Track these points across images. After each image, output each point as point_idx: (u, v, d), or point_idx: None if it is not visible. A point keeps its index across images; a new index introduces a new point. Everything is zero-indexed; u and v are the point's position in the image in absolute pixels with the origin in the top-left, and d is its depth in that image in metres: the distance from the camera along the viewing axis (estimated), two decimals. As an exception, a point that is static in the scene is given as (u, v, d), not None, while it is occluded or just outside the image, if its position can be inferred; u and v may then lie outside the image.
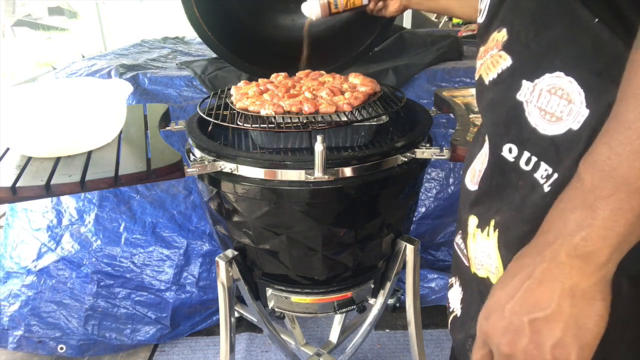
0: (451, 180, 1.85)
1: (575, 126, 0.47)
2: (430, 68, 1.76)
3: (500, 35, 0.56)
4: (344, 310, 1.16)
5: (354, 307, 1.17)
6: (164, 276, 1.69)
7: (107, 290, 1.67)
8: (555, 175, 0.50)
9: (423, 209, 1.87)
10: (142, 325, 1.71)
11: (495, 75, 0.57)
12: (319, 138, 0.89)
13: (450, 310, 0.74)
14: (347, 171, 0.96)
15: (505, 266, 0.56)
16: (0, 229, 2.60)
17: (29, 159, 0.92)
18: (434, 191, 1.87)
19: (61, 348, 1.61)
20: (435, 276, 1.86)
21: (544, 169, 0.51)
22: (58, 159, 0.91)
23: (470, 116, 1.11)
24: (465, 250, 0.70)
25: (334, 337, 1.52)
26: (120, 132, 1.05)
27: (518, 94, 0.53)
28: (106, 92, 1.06)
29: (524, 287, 0.45)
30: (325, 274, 1.10)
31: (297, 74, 1.26)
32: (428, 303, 1.84)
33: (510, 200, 0.56)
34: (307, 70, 1.26)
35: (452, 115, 1.21)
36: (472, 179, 0.67)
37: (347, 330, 1.53)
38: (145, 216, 1.69)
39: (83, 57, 2.14)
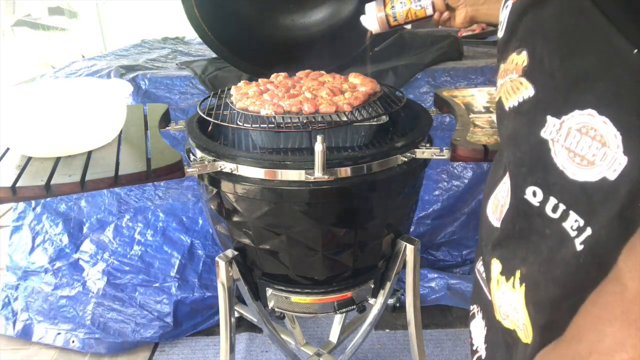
0: (454, 182, 1.85)
1: (612, 175, 0.41)
2: (430, 68, 1.76)
3: (520, 59, 0.50)
4: (344, 310, 1.16)
5: (354, 307, 1.17)
6: (170, 271, 1.78)
7: (115, 288, 1.78)
8: (589, 231, 0.43)
9: (429, 209, 1.87)
10: (146, 322, 1.74)
11: (515, 103, 0.52)
12: (319, 138, 0.89)
13: (474, 348, 0.68)
14: (347, 171, 0.96)
15: (534, 326, 0.51)
16: (0, 229, 2.60)
17: (29, 159, 0.92)
18: (437, 192, 1.87)
19: (72, 341, 1.72)
20: (435, 276, 1.86)
21: (574, 220, 0.45)
22: (58, 159, 0.91)
23: (470, 116, 1.11)
24: (487, 282, 0.65)
25: (334, 337, 1.52)
26: (120, 132, 1.05)
27: (543, 130, 0.47)
28: (106, 92, 1.06)
29: None
30: (325, 274, 1.10)
31: (297, 74, 1.26)
32: (428, 303, 1.84)
33: (536, 250, 0.50)
34: (307, 70, 1.26)
35: (452, 115, 1.21)
36: (495, 211, 0.60)
37: (347, 330, 1.53)
38: (157, 222, 1.81)
39: (83, 57, 2.14)
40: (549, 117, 0.46)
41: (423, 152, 1.04)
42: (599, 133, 0.41)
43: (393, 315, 1.84)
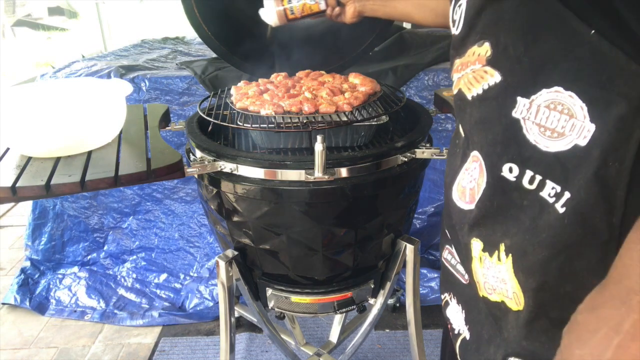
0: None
1: (582, 142, 0.46)
2: (430, 68, 1.76)
3: (482, 50, 0.54)
4: (344, 310, 1.16)
5: (354, 307, 1.17)
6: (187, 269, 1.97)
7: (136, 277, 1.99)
8: (567, 195, 0.48)
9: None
10: (155, 304, 1.90)
11: (480, 91, 0.55)
12: (319, 138, 0.89)
13: (456, 332, 0.71)
14: (347, 171, 0.96)
15: (525, 291, 0.54)
16: (0, 230, 2.61)
17: (29, 159, 0.92)
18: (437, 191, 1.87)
19: (87, 316, 1.91)
20: (435, 275, 1.87)
21: (551, 187, 0.49)
22: (58, 159, 0.91)
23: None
24: (458, 268, 0.68)
25: (334, 337, 1.52)
26: (120, 132, 1.05)
27: (514, 111, 0.51)
28: (106, 92, 1.06)
29: (614, 344, 0.39)
30: (325, 274, 1.10)
31: (297, 74, 1.26)
32: (428, 302, 1.84)
33: (517, 221, 0.54)
34: (307, 70, 1.26)
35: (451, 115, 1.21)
36: (462, 196, 0.64)
37: (347, 330, 1.53)
38: (173, 223, 1.97)
39: (83, 57, 2.14)
40: (519, 98, 0.50)
41: (423, 152, 1.04)
42: (566, 107, 0.46)
43: (393, 315, 1.84)
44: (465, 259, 0.65)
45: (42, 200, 1.93)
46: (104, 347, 1.75)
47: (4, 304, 1.96)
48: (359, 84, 1.15)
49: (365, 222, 1.05)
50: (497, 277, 0.58)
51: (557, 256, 0.50)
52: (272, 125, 1.01)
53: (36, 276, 2.00)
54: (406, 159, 1.03)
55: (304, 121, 1.00)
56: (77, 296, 1.94)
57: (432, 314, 1.82)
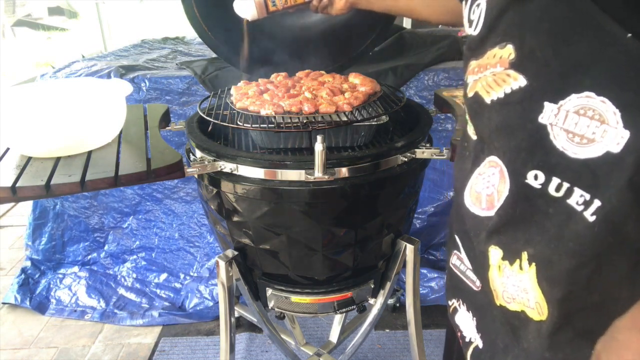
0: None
1: (615, 149, 0.44)
2: (430, 68, 1.76)
3: (504, 52, 0.52)
4: (344, 310, 1.16)
5: (354, 307, 1.17)
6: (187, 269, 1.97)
7: (135, 276, 2.00)
8: (597, 203, 0.46)
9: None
10: (155, 304, 1.89)
11: (501, 95, 0.53)
12: (319, 138, 0.89)
13: (467, 340, 0.70)
14: (347, 171, 0.96)
15: (549, 301, 0.53)
16: (0, 230, 2.61)
17: (29, 159, 0.92)
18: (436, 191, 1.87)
19: (87, 316, 1.91)
20: (435, 275, 1.87)
21: (579, 195, 0.48)
22: (58, 159, 0.91)
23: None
24: (468, 274, 0.67)
25: (334, 337, 1.52)
26: (120, 132, 1.05)
27: (540, 116, 0.49)
28: (106, 92, 1.06)
29: None
30: (326, 274, 1.10)
31: (297, 74, 1.26)
32: (428, 302, 1.84)
33: (542, 230, 0.52)
34: (307, 70, 1.26)
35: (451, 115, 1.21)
36: (477, 202, 0.62)
37: (347, 330, 1.53)
38: (174, 223, 1.97)
39: (83, 57, 2.14)
40: (546, 104, 0.49)
41: (423, 152, 1.04)
42: (597, 112, 0.45)
43: (393, 315, 1.84)
44: (481, 267, 0.63)
45: (43, 200, 1.94)
46: (104, 347, 1.75)
47: (4, 303, 1.96)
48: (359, 84, 1.15)
49: (365, 222, 1.05)
50: (517, 286, 0.57)
51: (585, 265, 0.49)
52: (272, 125, 1.01)
53: (36, 276, 2.01)
54: (406, 159, 1.03)
55: (304, 121, 1.00)
56: (77, 296, 1.95)
57: (432, 314, 1.82)
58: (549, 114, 0.49)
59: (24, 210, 2.57)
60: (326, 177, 0.93)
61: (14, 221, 2.69)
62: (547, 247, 0.52)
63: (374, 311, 1.28)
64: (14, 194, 0.81)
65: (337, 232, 1.03)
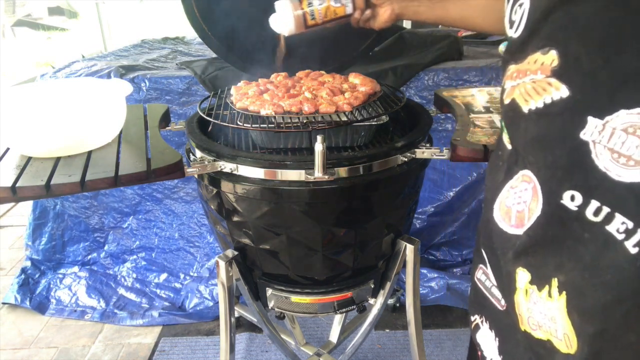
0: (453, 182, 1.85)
1: None
2: (430, 68, 1.76)
3: (546, 58, 0.47)
4: (344, 310, 1.16)
5: (354, 307, 1.17)
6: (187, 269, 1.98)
7: (135, 276, 2.00)
8: None
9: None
10: (155, 304, 1.90)
11: (540, 105, 0.49)
12: (319, 138, 0.89)
13: None
14: (347, 171, 0.96)
15: (579, 335, 0.49)
16: (0, 230, 2.61)
17: (29, 159, 0.92)
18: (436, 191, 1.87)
19: (87, 316, 1.91)
20: (435, 275, 1.87)
21: (620, 222, 0.44)
22: (58, 159, 0.91)
23: (471, 116, 1.11)
24: (493, 291, 0.63)
25: (334, 337, 1.52)
26: (120, 132, 1.05)
27: (582, 132, 0.45)
28: (106, 92, 1.06)
29: None
30: (325, 274, 1.10)
31: (297, 74, 1.26)
32: (428, 302, 1.84)
33: (574, 256, 0.48)
34: (307, 70, 1.26)
35: (451, 115, 1.21)
36: (506, 217, 0.58)
37: (347, 330, 1.53)
38: (173, 223, 1.98)
39: (83, 57, 2.14)
40: (589, 118, 0.44)
41: (423, 152, 1.04)
42: None
43: (393, 315, 1.84)
44: (507, 288, 0.59)
45: (43, 200, 1.94)
46: (104, 347, 1.75)
47: (4, 303, 1.96)
48: (359, 84, 1.15)
49: (365, 222, 1.05)
50: (545, 314, 0.52)
51: (623, 302, 0.45)
52: (272, 125, 1.01)
53: (36, 276, 2.01)
54: (406, 159, 1.03)
55: (304, 121, 1.00)
56: (77, 296, 1.95)
57: (432, 314, 1.82)
58: (593, 130, 0.44)
59: (24, 210, 2.57)
60: (326, 177, 0.93)
61: (14, 221, 2.69)
62: (580, 275, 0.48)
63: (374, 311, 1.28)
64: (14, 194, 0.81)
65: (337, 232, 1.03)
